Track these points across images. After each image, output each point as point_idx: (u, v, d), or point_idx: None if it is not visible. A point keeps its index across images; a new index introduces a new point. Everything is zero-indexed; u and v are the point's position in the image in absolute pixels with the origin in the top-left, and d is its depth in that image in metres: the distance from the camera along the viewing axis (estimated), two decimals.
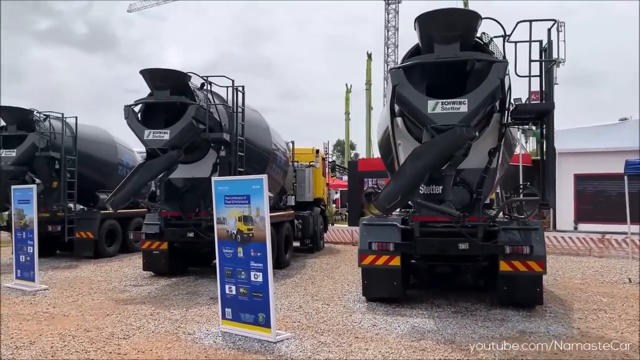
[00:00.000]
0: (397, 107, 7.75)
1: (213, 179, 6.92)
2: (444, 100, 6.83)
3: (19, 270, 10.18)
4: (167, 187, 10.41)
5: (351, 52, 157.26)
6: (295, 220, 14.70)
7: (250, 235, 6.41)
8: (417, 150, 6.87)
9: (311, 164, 16.47)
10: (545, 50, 7.35)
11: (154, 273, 11.53)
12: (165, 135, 9.49)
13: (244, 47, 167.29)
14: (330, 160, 19.52)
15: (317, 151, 16.95)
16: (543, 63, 7.23)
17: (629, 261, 12.13)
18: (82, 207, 15.65)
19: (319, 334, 6.68)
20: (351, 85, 55.27)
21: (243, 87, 10.40)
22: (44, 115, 13.70)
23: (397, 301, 8.43)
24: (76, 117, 14.11)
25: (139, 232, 11.60)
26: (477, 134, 6.87)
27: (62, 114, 13.83)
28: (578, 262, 13.87)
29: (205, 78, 9.82)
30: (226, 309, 6.71)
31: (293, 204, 15.48)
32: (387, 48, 56.01)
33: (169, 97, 9.65)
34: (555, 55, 7.28)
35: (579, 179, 22.92)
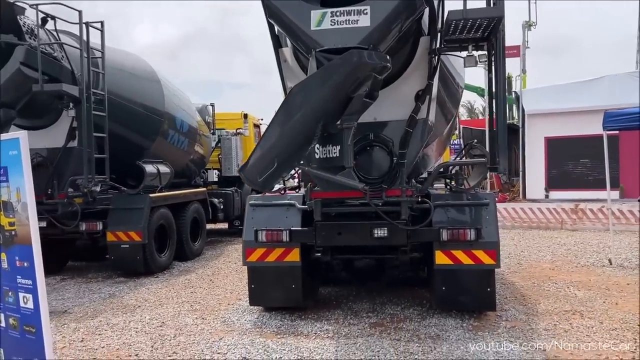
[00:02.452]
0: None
1: None
2: (335, 10, 4.37)
3: None
4: None
5: None
6: (216, 199, 12.22)
7: (14, 233, 3.92)
8: (296, 91, 4.41)
9: (239, 131, 13.87)
10: None
11: None
12: None
13: (217, 24, 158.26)
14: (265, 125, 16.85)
15: (246, 116, 14.30)
16: None
17: (607, 235, 10.02)
18: None
19: None
20: None
21: (102, 22, 7.73)
22: None
23: (304, 308, 6.12)
24: None
25: None
26: (388, 63, 4.43)
27: None
28: (548, 237, 11.75)
29: (36, 7, 7.08)
30: None
31: (215, 179, 12.97)
32: None
33: None
34: None
35: (551, 142, 20.84)
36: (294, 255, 5.76)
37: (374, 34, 4.32)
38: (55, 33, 7.63)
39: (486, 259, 5.38)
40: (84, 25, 7.38)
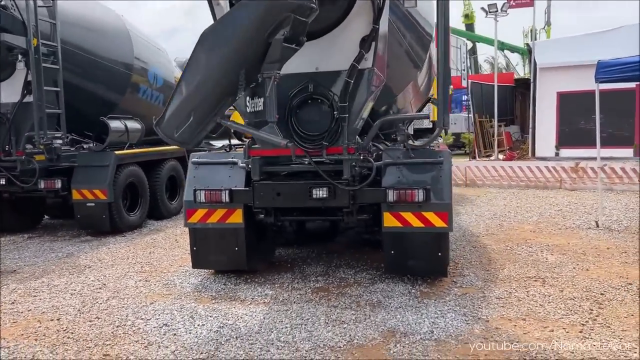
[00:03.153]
0: None
1: None
2: None
3: None
4: None
5: None
6: None
7: None
8: (206, 32, 3.96)
9: None
10: None
11: None
12: None
13: None
14: None
15: None
16: None
17: (604, 195, 9.42)
18: None
19: (52, 346, 4.08)
20: None
21: None
22: None
23: (254, 271, 5.84)
24: None
25: None
26: (313, 4, 3.92)
27: None
28: (543, 197, 11.19)
29: None
30: None
31: None
32: None
33: None
34: None
35: (563, 97, 19.83)
36: (237, 217, 5.44)
37: None
38: None
39: (437, 222, 4.96)
40: None
